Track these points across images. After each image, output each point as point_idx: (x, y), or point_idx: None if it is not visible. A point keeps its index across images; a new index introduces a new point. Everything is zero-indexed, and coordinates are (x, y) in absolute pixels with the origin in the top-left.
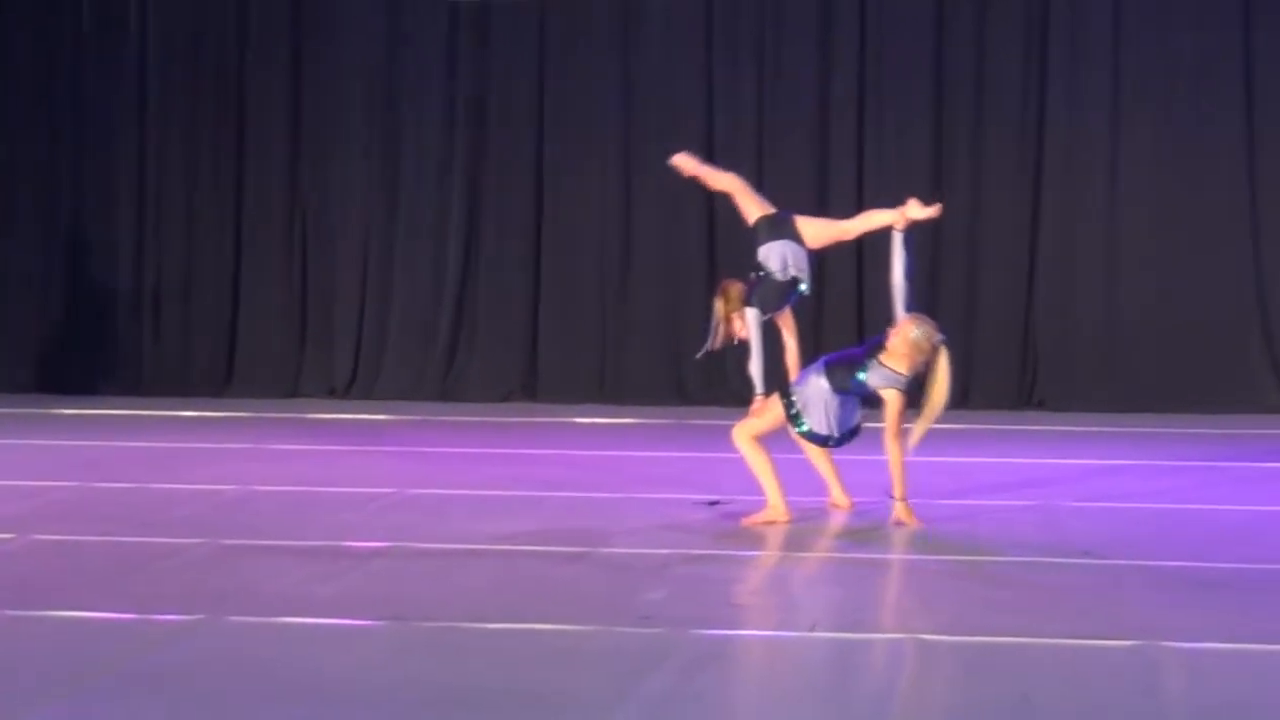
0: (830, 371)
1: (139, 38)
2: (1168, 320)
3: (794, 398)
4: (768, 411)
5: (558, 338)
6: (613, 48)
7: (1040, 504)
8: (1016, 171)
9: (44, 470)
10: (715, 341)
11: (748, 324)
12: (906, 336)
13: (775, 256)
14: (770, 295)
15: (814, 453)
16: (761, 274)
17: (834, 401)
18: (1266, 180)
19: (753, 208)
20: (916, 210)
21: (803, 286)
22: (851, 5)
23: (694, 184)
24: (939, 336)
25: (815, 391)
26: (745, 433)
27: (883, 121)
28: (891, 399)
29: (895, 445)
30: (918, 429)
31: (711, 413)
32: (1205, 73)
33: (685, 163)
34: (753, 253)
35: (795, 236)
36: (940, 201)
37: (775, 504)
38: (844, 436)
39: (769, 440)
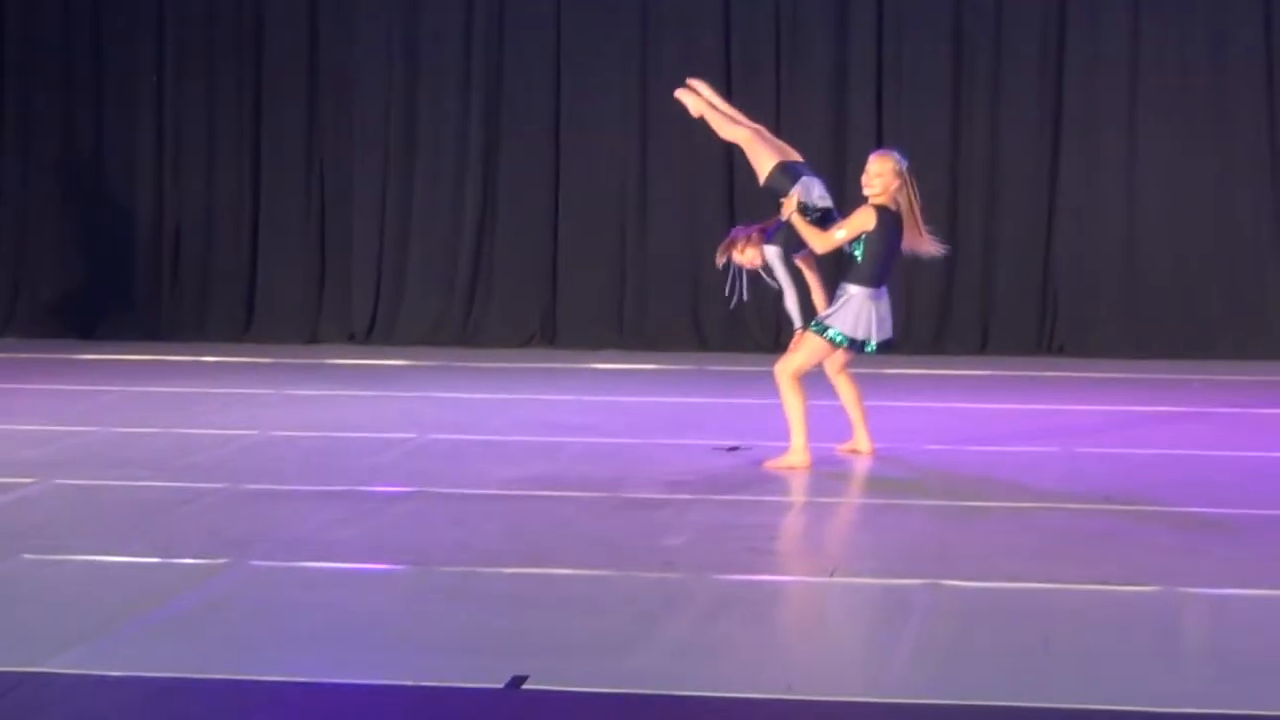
0: (848, 275)
1: None
2: (1188, 265)
3: (823, 321)
4: (804, 345)
5: (577, 283)
6: None
7: (1060, 450)
8: (1036, 116)
9: (65, 415)
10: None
11: (770, 262)
12: (885, 168)
13: (810, 194)
14: (793, 237)
15: (847, 394)
16: (815, 211)
17: (870, 306)
18: None
19: (764, 160)
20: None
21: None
22: None
23: (712, 133)
24: (905, 161)
25: (846, 302)
26: (787, 370)
27: (901, 68)
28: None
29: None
30: (925, 242)
31: (731, 359)
32: (1225, 18)
33: (691, 100)
34: (774, 201)
35: (810, 171)
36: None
37: (798, 449)
38: (882, 345)
39: (809, 383)
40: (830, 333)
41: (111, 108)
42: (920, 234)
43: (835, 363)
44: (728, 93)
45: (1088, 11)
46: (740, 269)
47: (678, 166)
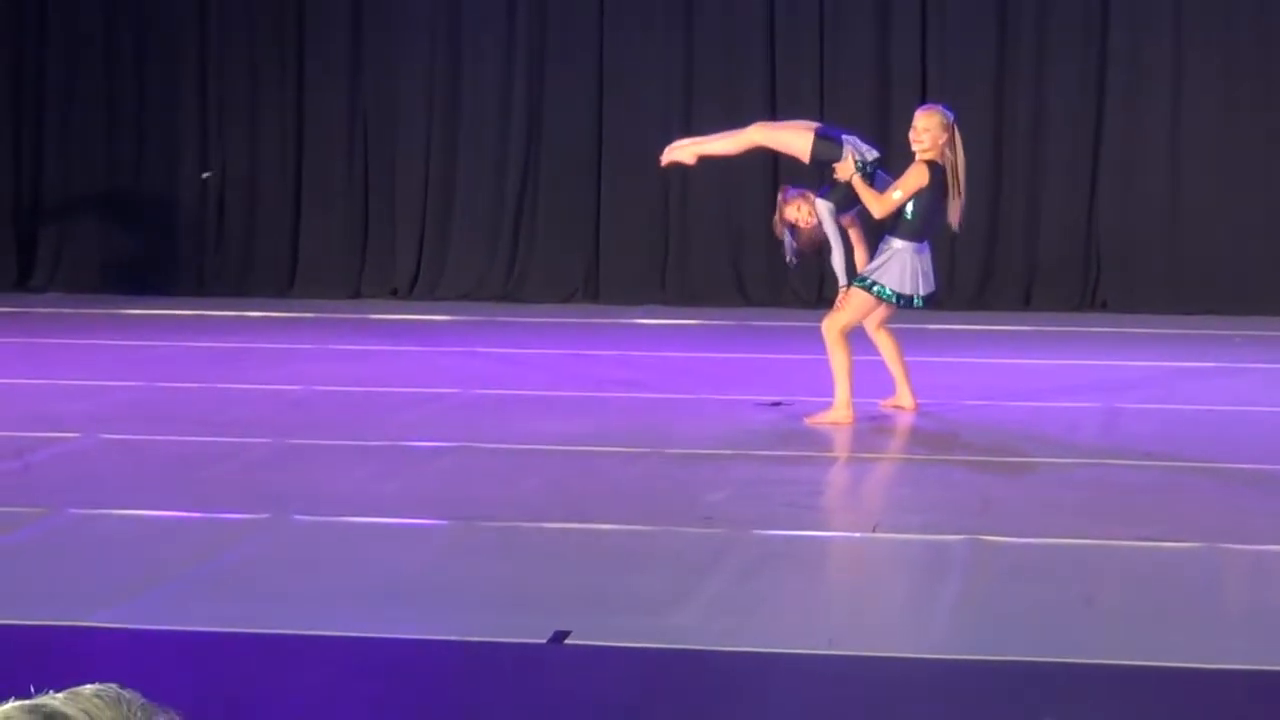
0: (894, 230)
1: None
2: (1232, 220)
3: (868, 277)
4: (850, 301)
5: (620, 238)
6: None
7: (1103, 405)
8: (1081, 69)
9: (110, 370)
10: (801, 243)
11: (821, 215)
12: (932, 123)
13: (859, 149)
14: (842, 198)
15: (887, 350)
16: (870, 165)
17: (915, 260)
18: None
19: (796, 140)
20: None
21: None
22: None
23: (756, 84)
24: (952, 115)
25: (891, 257)
26: (834, 327)
27: (946, 23)
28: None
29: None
30: (954, 210)
31: (773, 314)
32: None
33: (681, 154)
34: (823, 169)
35: (843, 129)
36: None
37: (842, 404)
38: (926, 298)
39: (854, 338)
40: (877, 288)
41: (154, 62)
42: (956, 196)
43: (875, 319)
44: (770, 50)
45: None
46: (792, 229)
47: (721, 121)
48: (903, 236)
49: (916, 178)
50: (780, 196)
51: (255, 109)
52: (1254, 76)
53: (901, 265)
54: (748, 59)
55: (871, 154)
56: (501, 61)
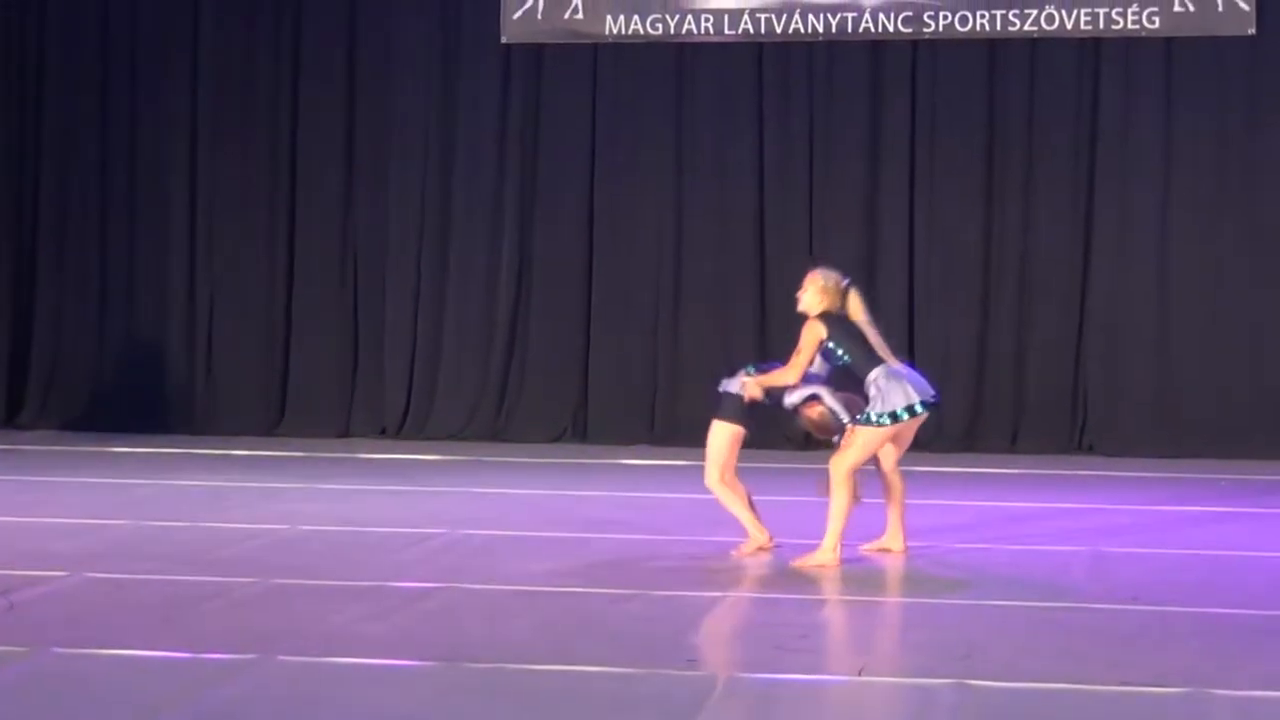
0: (860, 372)
1: (190, 79)
2: (1219, 365)
3: (873, 414)
4: (856, 439)
5: (608, 379)
6: (665, 91)
7: (1089, 549)
8: (1068, 214)
9: (97, 508)
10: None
11: (829, 404)
12: (812, 285)
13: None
14: (838, 374)
15: (896, 492)
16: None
17: (896, 378)
18: None
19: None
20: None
21: None
22: (903, 57)
23: (745, 226)
24: (846, 279)
25: (880, 386)
26: (842, 465)
27: (933, 170)
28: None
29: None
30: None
31: (762, 455)
32: (1259, 118)
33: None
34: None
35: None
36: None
37: (828, 548)
38: (932, 406)
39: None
40: (880, 418)
41: (145, 200)
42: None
43: (890, 457)
44: (760, 189)
45: (1120, 112)
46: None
47: (709, 263)
48: (869, 369)
49: (811, 334)
50: (798, 410)
51: (245, 249)
52: (1240, 224)
53: (897, 384)
54: (738, 199)
55: (748, 367)
56: (491, 202)
